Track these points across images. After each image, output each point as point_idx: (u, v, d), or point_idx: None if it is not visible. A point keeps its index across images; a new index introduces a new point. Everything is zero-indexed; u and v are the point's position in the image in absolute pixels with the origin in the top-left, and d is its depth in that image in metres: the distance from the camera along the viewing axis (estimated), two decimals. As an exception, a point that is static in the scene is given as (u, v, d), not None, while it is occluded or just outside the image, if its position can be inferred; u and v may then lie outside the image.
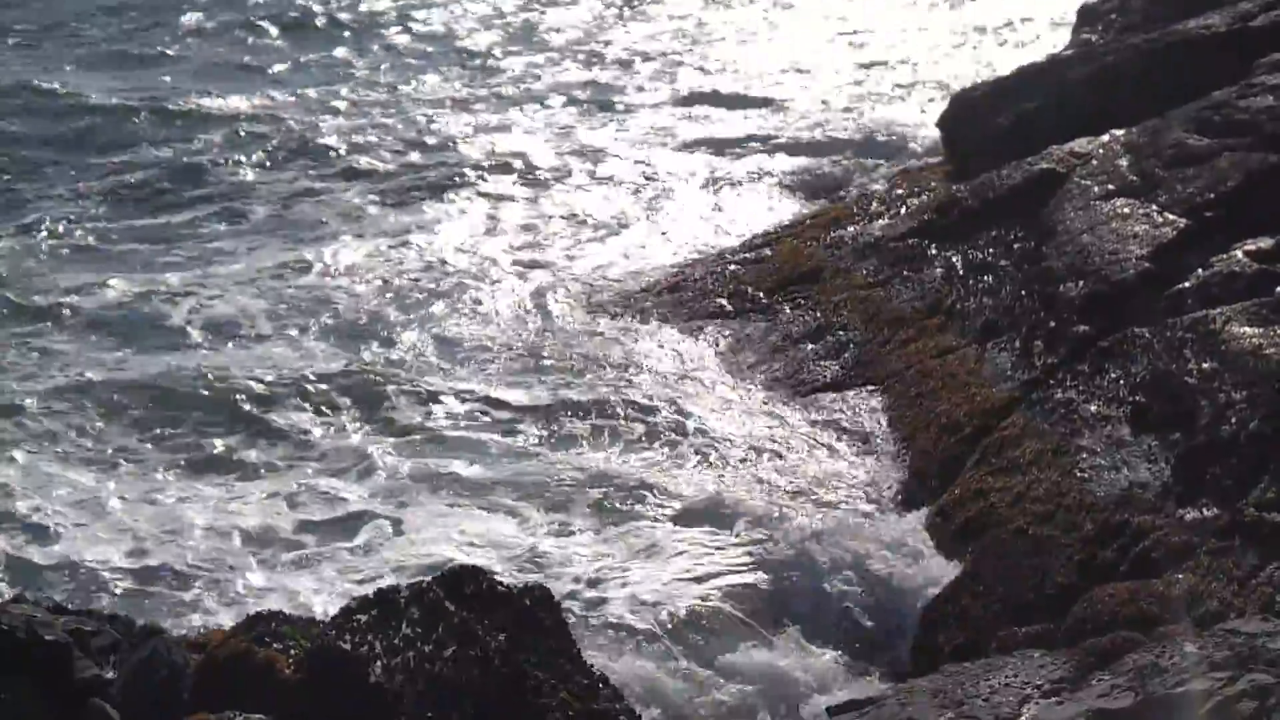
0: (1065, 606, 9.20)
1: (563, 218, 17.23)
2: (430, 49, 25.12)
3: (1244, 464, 9.25)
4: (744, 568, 9.95)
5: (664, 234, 16.55)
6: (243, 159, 19.24)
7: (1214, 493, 9.26)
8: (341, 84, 22.89)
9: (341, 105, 21.69)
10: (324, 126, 20.47)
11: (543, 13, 27.65)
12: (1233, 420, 9.53)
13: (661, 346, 13.39)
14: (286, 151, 19.56)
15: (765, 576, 9.84)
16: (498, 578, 7.11)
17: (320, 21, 26.70)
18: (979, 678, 6.93)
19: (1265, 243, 10.69)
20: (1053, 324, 11.23)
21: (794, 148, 18.99)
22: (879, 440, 11.36)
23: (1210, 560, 8.87)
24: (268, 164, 19.17)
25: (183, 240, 16.78)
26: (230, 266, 15.83)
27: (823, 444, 11.49)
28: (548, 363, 13.23)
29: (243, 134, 20.27)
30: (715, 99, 21.76)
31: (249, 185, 18.53)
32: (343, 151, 19.50)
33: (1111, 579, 9.16)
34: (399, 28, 26.51)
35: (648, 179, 18.31)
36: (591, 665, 7.06)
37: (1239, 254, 10.75)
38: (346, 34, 26.08)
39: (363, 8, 27.68)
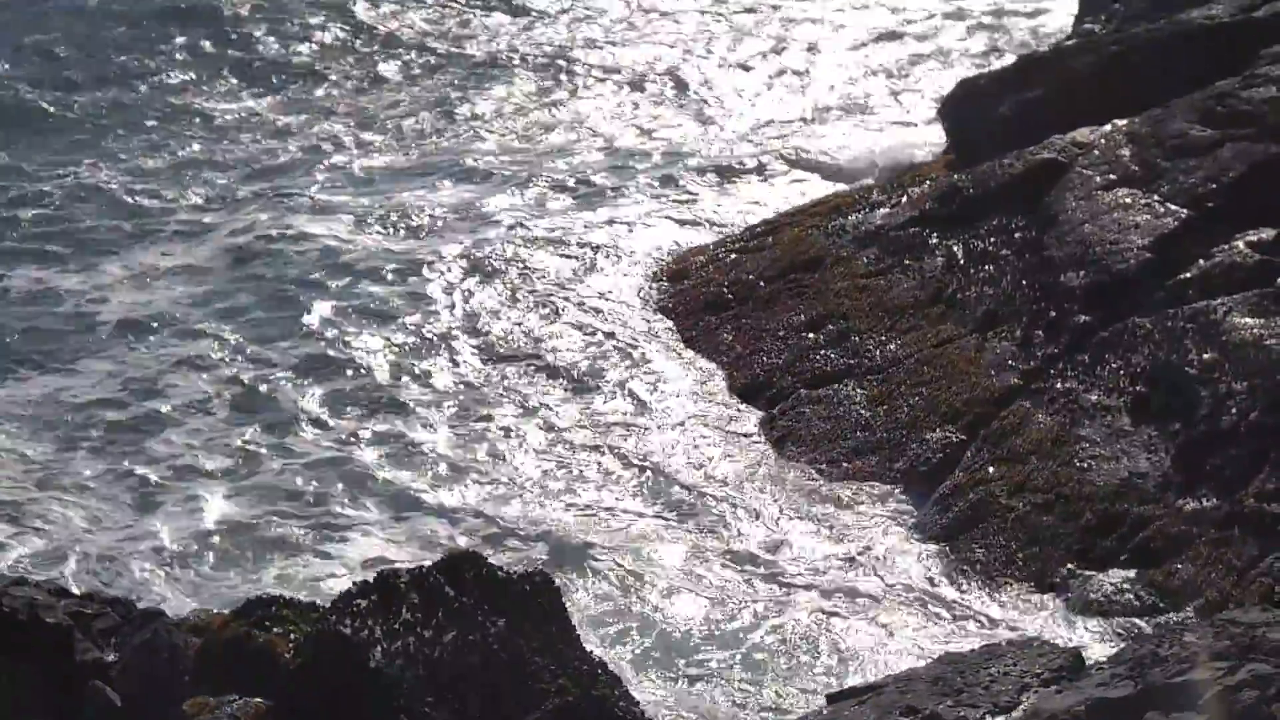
0: (1065, 596, 9.23)
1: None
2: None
3: (1244, 455, 9.27)
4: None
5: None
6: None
7: (1214, 483, 9.27)
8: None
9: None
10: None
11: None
12: (1233, 411, 9.54)
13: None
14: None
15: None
16: (496, 564, 7.12)
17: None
18: (979, 666, 6.94)
19: (1267, 233, 10.69)
20: (1053, 314, 11.22)
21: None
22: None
23: (1210, 550, 8.89)
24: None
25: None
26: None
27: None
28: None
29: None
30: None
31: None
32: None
33: (1111, 568, 9.18)
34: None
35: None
36: (590, 651, 7.06)
37: (1241, 245, 10.75)
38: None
39: None
